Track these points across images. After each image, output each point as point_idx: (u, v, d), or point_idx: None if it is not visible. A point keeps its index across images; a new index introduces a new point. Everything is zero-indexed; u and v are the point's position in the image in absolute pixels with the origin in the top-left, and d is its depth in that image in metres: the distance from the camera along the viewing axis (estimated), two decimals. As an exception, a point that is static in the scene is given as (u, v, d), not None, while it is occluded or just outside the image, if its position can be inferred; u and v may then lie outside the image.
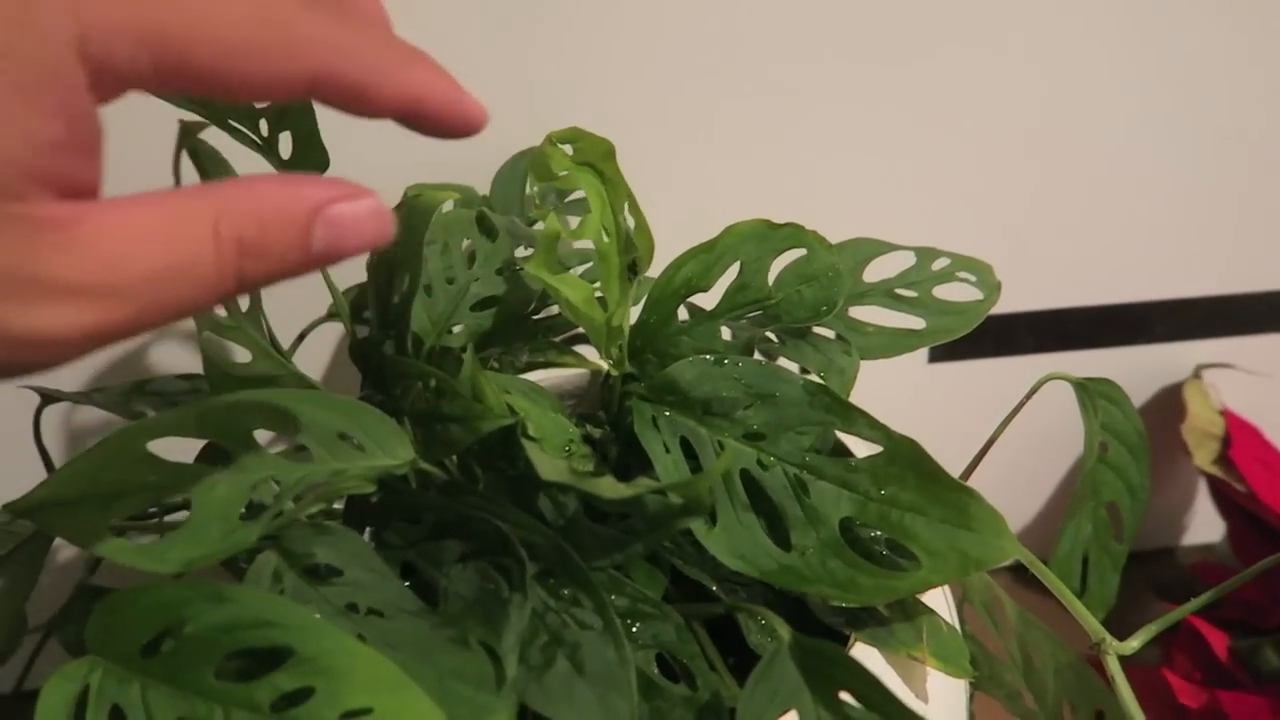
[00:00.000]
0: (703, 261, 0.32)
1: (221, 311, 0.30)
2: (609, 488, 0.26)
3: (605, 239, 0.30)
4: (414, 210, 0.29)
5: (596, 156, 0.30)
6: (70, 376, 0.46)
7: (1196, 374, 0.50)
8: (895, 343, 0.37)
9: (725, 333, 0.34)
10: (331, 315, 0.41)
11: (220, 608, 0.22)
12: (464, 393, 0.27)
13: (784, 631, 0.26)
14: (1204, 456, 0.47)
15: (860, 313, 0.37)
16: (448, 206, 0.34)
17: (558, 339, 0.36)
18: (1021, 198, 0.48)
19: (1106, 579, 0.36)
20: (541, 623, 0.26)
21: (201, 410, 0.27)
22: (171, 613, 0.23)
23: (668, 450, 0.30)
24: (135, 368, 0.46)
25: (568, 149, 0.31)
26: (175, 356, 0.47)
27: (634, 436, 0.33)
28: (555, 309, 0.33)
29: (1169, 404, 0.52)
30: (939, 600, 0.33)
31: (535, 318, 0.33)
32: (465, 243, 0.33)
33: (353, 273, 0.36)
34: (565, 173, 0.31)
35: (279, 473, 0.26)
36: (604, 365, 0.39)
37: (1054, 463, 0.54)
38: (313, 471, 0.27)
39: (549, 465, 0.26)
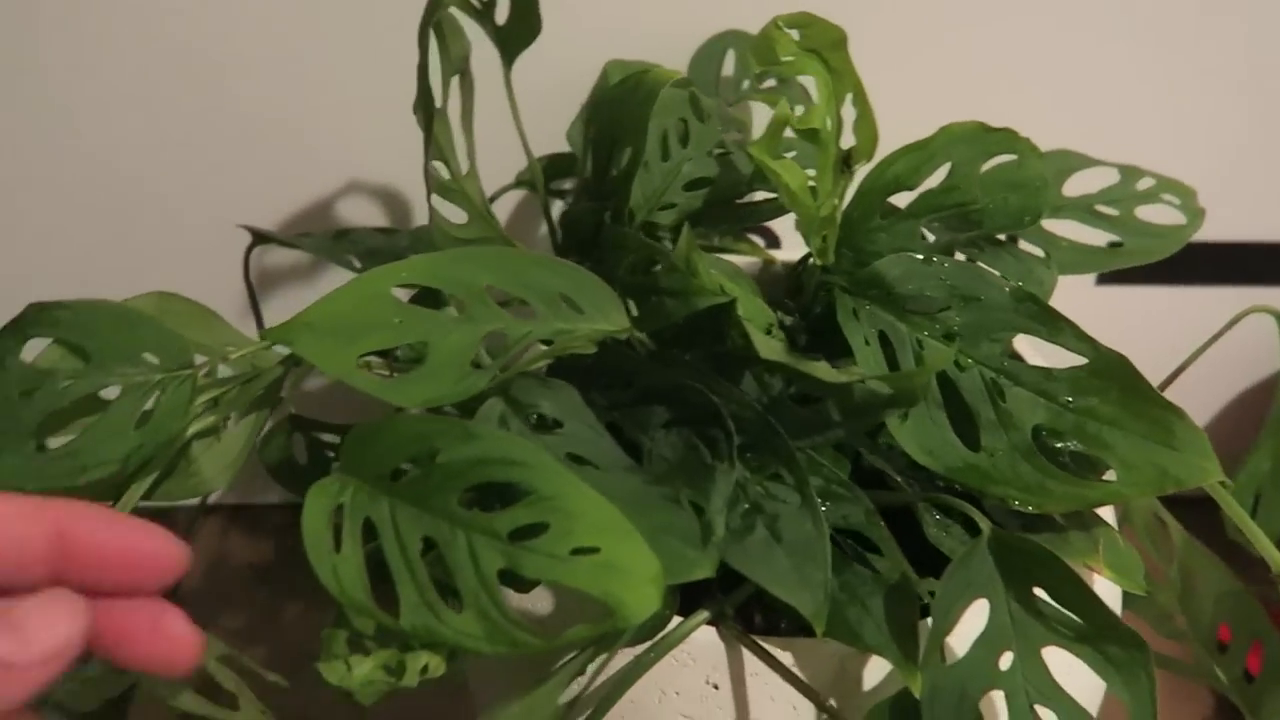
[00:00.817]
0: (913, 160, 0.32)
1: (445, 174, 0.32)
2: (825, 371, 0.27)
3: (826, 129, 0.30)
4: (641, 86, 0.30)
5: (825, 44, 0.30)
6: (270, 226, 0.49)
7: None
8: (1089, 259, 0.36)
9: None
10: (521, 183, 0.42)
11: (470, 443, 0.24)
12: (681, 268, 0.28)
13: (984, 524, 0.26)
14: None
15: (1054, 226, 0.37)
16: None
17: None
18: (1230, 124, 0.46)
19: (1276, 517, 0.36)
20: (742, 492, 0.27)
21: (440, 262, 0.28)
22: (424, 443, 0.25)
23: (867, 343, 0.30)
24: (329, 220, 0.49)
25: (794, 34, 0.31)
26: (360, 209, 0.50)
27: (823, 325, 0.33)
28: (759, 196, 0.34)
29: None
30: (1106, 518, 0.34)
31: (739, 202, 0.34)
32: (676, 122, 0.33)
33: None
34: (790, 58, 0.31)
35: (506, 327, 0.28)
36: (775, 256, 0.40)
37: (1222, 397, 0.52)
38: (537, 329, 0.28)
39: (766, 345, 0.27)
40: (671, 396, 0.28)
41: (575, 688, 0.29)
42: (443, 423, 0.25)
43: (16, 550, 0.20)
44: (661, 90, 0.30)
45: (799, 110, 0.30)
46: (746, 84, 0.40)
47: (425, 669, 0.25)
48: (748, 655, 0.29)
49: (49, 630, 0.20)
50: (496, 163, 0.41)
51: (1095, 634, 0.25)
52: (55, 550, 0.21)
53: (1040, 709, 0.25)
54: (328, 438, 0.42)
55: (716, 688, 0.29)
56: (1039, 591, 0.25)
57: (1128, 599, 0.36)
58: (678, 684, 0.29)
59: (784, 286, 0.37)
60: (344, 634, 0.26)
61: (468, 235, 0.31)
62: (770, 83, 0.41)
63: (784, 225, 0.47)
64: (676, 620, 0.29)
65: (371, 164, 0.48)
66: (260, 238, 0.41)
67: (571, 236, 0.31)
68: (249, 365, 0.29)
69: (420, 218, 0.50)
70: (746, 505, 0.27)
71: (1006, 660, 0.25)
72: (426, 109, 0.29)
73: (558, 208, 0.38)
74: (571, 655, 0.28)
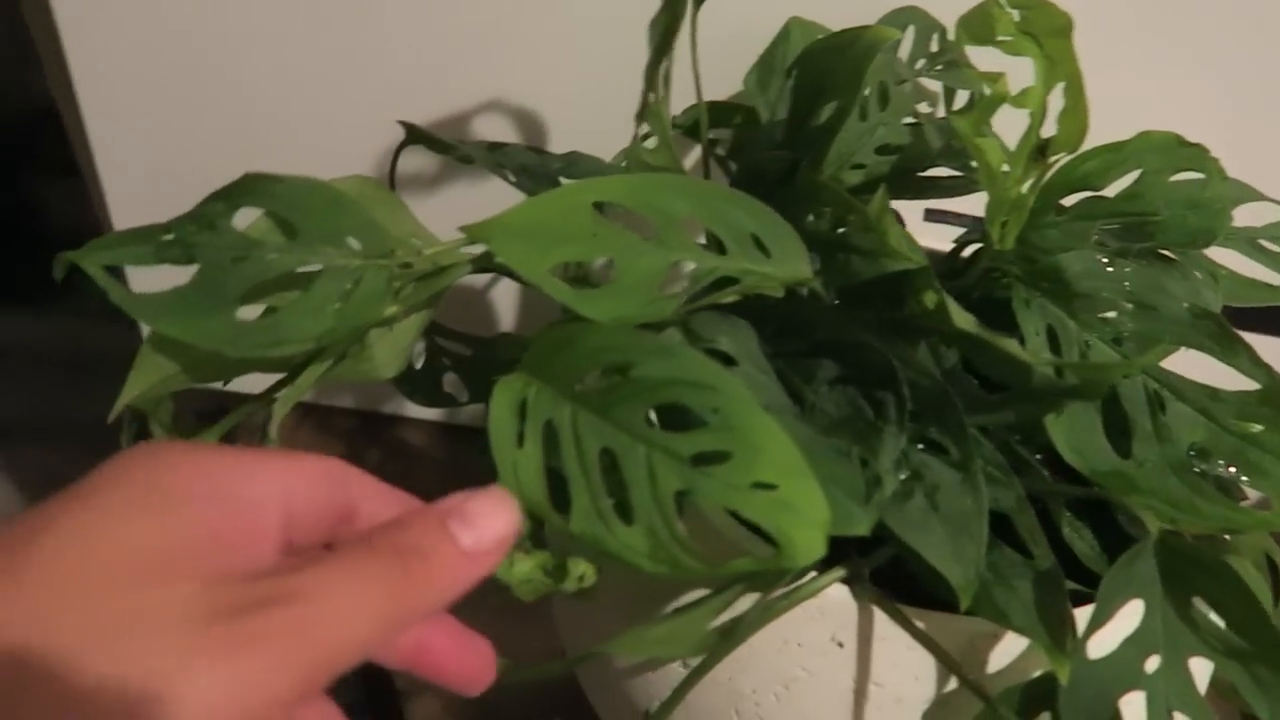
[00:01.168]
0: (1107, 161, 0.32)
1: (651, 98, 0.32)
2: (1017, 349, 0.27)
3: (1034, 115, 0.30)
4: (859, 41, 0.30)
5: (1046, 29, 0.30)
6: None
7: None
8: (1247, 291, 0.36)
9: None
10: (677, 125, 0.42)
11: (667, 360, 0.24)
12: (875, 228, 0.28)
13: (1153, 526, 0.27)
14: None
15: (1216, 254, 0.36)
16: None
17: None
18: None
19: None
20: (905, 457, 0.28)
21: (642, 185, 0.28)
22: (619, 354, 0.25)
23: (1036, 334, 0.30)
24: (465, 134, 0.49)
25: (1015, 14, 0.30)
26: (495, 127, 0.49)
27: (980, 311, 0.33)
28: (939, 171, 0.34)
29: None
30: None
31: (920, 175, 0.33)
32: (879, 84, 0.33)
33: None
34: (1008, 38, 0.30)
35: (696, 258, 0.28)
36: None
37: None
38: (725, 265, 0.28)
39: (961, 315, 0.27)
40: (845, 353, 0.28)
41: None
42: (642, 337, 0.25)
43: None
44: (880, 49, 0.30)
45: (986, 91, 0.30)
46: (922, 63, 0.40)
47: (582, 577, 0.26)
48: (878, 619, 0.29)
49: (496, 524, 0.22)
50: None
51: (1249, 653, 0.25)
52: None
53: (1178, 716, 0.25)
54: (446, 344, 0.43)
55: (841, 645, 0.29)
56: (1198, 601, 0.26)
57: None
58: (802, 636, 0.29)
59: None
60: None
61: (657, 162, 0.31)
62: (940, 63, 0.40)
63: (912, 213, 0.46)
64: (811, 574, 0.29)
65: (511, 84, 0.48)
66: (414, 136, 0.41)
67: (752, 183, 0.31)
68: (431, 261, 0.30)
69: (556, 143, 0.50)
70: (907, 472, 0.27)
71: (1153, 664, 0.26)
72: (669, 23, 0.29)
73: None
74: (705, 593, 0.29)
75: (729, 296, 0.27)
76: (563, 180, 0.40)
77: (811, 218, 0.29)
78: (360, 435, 0.70)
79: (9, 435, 1.37)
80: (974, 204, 0.46)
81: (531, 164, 0.41)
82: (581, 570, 0.26)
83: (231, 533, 0.21)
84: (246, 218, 0.27)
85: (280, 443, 0.39)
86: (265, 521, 0.22)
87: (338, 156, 0.47)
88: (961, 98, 0.41)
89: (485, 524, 0.21)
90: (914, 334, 0.29)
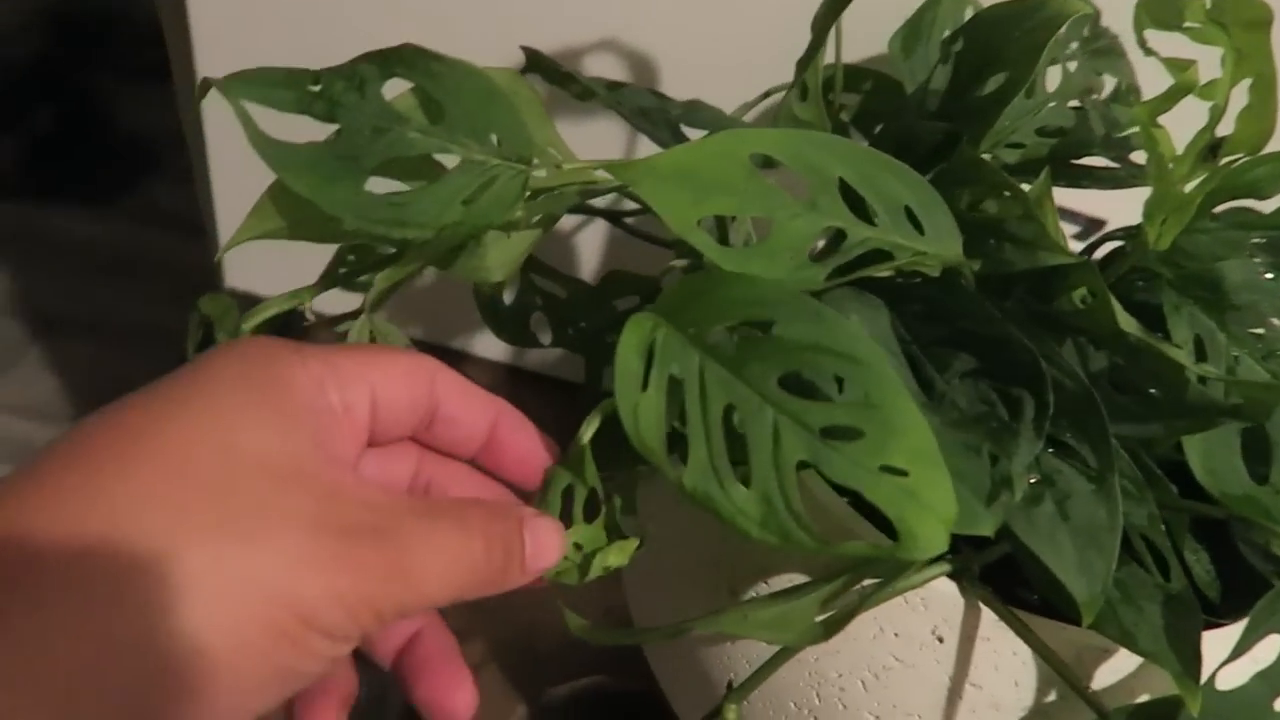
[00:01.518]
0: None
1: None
2: (1186, 359, 0.26)
3: (1215, 110, 0.28)
4: (1041, 11, 0.28)
5: (1240, 21, 0.28)
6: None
7: None
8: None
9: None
10: (780, 87, 0.40)
11: (815, 324, 0.23)
12: (1036, 217, 0.27)
13: (1301, 559, 0.25)
14: None
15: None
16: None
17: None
18: None
19: None
20: (1035, 461, 0.26)
21: (800, 141, 0.27)
22: (763, 309, 0.24)
23: (1183, 344, 0.29)
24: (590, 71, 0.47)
25: (1207, 0, 0.28)
26: (606, 66, 0.48)
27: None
28: (1093, 161, 0.32)
29: None
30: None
31: (1074, 163, 0.32)
32: (1049, 61, 0.31)
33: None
34: (1196, 25, 0.28)
35: (848, 227, 0.27)
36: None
37: None
38: (878, 237, 0.27)
39: (1125, 318, 0.26)
40: (987, 346, 0.27)
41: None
42: (791, 295, 0.24)
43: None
44: (1063, 22, 0.28)
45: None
46: (1075, 45, 0.38)
47: (607, 568, 0.25)
48: (985, 618, 0.28)
49: (551, 553, 0.24)
50: (769, 61, 0.39)
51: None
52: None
53: (1302, 760, 0.24)
54: (541, 281, 0.42)
55: (941, 640, 0.28)
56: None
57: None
58: (900, 626, 0.28)
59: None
60: (565, 480, 0.25)
61: (806, 116, 0.30)
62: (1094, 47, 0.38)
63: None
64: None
65: (628, 22, 0.47)
66: (535, 64, 0.39)
67: (898, 154, 0.30)
68: (563, 178, 0.28)
69: (667, 88, 0.48)
70: (1037, 476, 0.26)
71: (1281, 703, 0.24)
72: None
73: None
74: (809, 580, 0.28)
75: (884, 271, 0.26)
76: (683, 128, 0.39)
77: (973, 195, 0.28)
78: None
79: (60, 329, 1.39)
80: (1098, 204, 0.44)
81: (651, 107, 0.39)
82: (610, 561, 0.25)
83: (336, 443, 0.23)
84: (392, 90, 0.25)
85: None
86: (359, 425, 0.23)
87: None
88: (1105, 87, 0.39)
89: (545, 549, 0.23)
90: (1057, 330, 0.28)
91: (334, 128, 0.25)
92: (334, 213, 0.24)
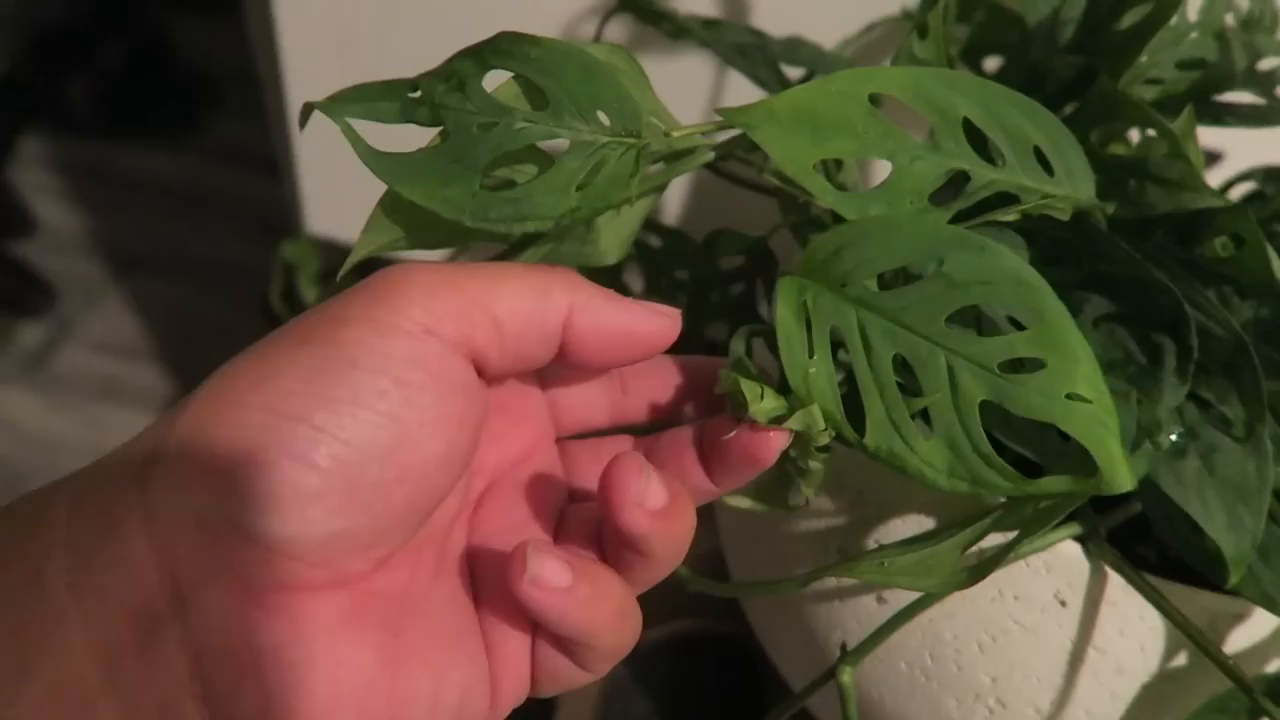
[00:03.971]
0: None
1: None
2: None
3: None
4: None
5: None
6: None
7: None
8: None
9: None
10: (909, 16, 0.38)
11: (981, 256, 0.22)
12: (1183, 156, 0.25)
13: None
14: None
15: None
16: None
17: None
18: None
19: None
20: (1178, 413, 0.25)
21: (924, 79, 0.25)
22: (927, 250, 0.22)
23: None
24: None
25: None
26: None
27: None
28: (1237, 97, 0.30)
29: None
30: None
31: (1216, 99, 0.29)
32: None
33: None
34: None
35: (973, 168, 0.25)
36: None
37: None
38: (1004, 180, 0.25)
39: (1278, 264, 0.24)
40: (1124, 289, 0.25)
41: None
42: (950, 231, 0.22)
43: (537, 329, 0.22)
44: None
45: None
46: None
47: (822, 431, 0.24)
48: (1111, 581, 0.27)
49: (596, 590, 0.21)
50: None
51: None
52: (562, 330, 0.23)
53: None
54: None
55: (1064, 604, 0.27)
56: None
57: None
58: (1021, 589, 0.27)
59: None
60: (749, 368, 0.24)
61: (926, 56, 0.28)
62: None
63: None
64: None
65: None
66: (629, 2, 0.38)
67: (1026, 90, 0.28)
68: (670, 145, 0.27)
69: (764, 24, 0.46)
70: (1181, 429, 0.25)
71: None
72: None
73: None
74: (950, 527, 0.27)
75: (1011, 215, 0.25)
76: (783, 67, 0.37)
77: (1110, 133, 0.26)
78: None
79: (139, 267, 1.41)
80: (1225, 139, 0.41)
81: (749, 44, 0.38)
82: (820, 421, 0.24)
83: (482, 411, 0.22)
84: (492, 82, 0.24)
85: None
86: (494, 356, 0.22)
87: (536, 14, 0.44)
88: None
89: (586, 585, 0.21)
90: (1204, 279, 0.26)
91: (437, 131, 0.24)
92: (451, 217, 0.23)
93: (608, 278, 0.42)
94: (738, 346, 0.25)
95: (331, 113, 0.23)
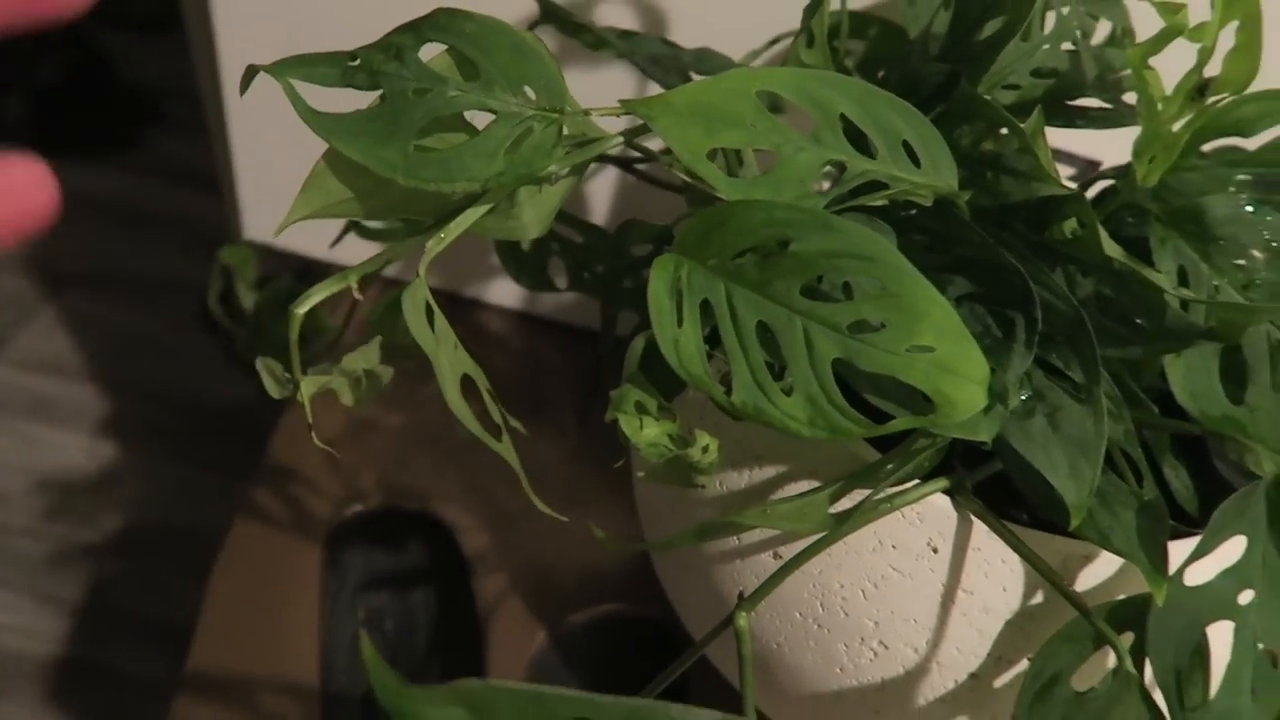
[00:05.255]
0: (1264, 109, 0.31)
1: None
2: (1165, 281, 0.28)
3: (1203, 51, 0.30)
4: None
5: (1227, -35, 0.29)
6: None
7: None
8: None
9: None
10: (786, 35, 0.42)
11: (828, 234, 0.25)
12: (1031, 151, 0.28)
13: (1270, 466, 0.27)
14: None
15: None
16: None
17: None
18: None
19: None
20: (1028, 378, 0.28)
21: (808, 80, 0.29)
22: (778, 229, 0.25)
23: (1168, 273, 0.30)
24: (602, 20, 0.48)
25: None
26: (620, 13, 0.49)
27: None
28: (1087, 102, 0.33)
29: None
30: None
31: (1068, 104, 0.33)
32: (1043, 5, 0.33)
33: None
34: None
35: (850, 160, 0.28)
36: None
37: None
38: (877, 169, 0.29)
39: (1110, 244, 0.28)
40: (982, 271, 0.29)
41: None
42: (802, 212, 0.25)
43: None
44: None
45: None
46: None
47: (706, 449, 0.27)
48: (976, 530, 0.30)
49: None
50: (775, 10, 0.41)
51: (1347, 598, 0.26)
52: None
53: (1263, 649, 0.26)
54: (559, 227, 0.43)
55: (935, 551, 0.30)
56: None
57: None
58: (897, 538, 0.30)
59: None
60: (634, 396, 0.27)
61: (812, 61, 0.31)
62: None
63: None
64: (915, 481, 0.30)
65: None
66: (550, 14, 0.41)
67: (904, 95, 0.31)
68: (586, 127, 0.30)
69: (677, 37, 0.49)
70: (1030, 392, 0.28)
71: (1246, 597, 0.26)
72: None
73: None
74: (815, 487, 0.30)
75: (877, 200, 0.28)
76: (694, 75, 0.40)
77: (972, 132, 0.29)
78: (449, 312, 0.72)
79: (73, 283, 1.40)
80: (1094, 146, 0.45)
81: (662, 54, 0.41)
82: (705, 442, 0.27)
83: None
84: (428, 54, 0.27)
85: (369, 316, 0.40)
86: None
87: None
88: (1102, 31, 0.40)
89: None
90: (1049, 258, 0.29)
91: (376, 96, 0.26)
92: (386, 174, 0.25)
93: (534, 270, 0.44)
94: (636, 346, 0.28)
95: (275, 74, 0.25)
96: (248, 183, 0.62)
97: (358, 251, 0.35)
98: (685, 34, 0.50)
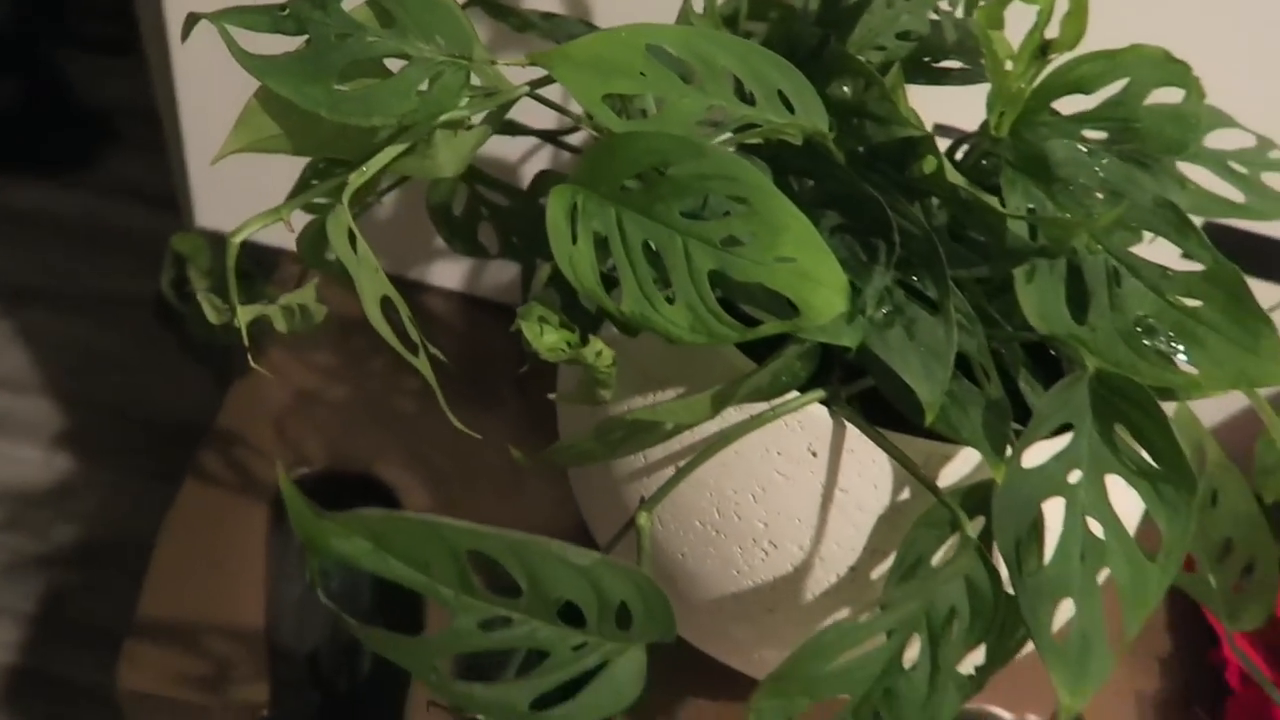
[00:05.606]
0: (1101, 67, 0.36)
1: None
2: (996, 204, 0.31)
3: (1042, 14, 0.34)
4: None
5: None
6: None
7: None
8: (1211, 205, 0.40)
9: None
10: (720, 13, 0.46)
11: (700, 159, 0.29)
12: (890, 99, 0.32)
13: (1091, 365, 0.31)
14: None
15: (1189, 170, 0.41)
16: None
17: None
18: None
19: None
20: (889, 295, 0.32)
21: (693, 36, 0.32)
22: (658, 157, 0.29)
23: (1017, 210, 0.34)
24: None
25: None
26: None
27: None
28: (951, 64, 0.38)
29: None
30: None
31: (932, 64, 0.37)
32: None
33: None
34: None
35: (729, 106, 0.32)
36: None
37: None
38: (753, 114, 0.32)
39: (954, 174, 0.32)
40: (849, 204, 0.32)
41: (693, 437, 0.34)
42: (677, 140, 0.29)
43: None
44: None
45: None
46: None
47: (600, 353, 0.30)
48: (849, 434, 0.33)
49: None
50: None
51: (1158, 473, 0.30)
52: None
53: (1090, 521, 0.30)
54: (486, 191, 0.47)
55: (814, 455, 0.34)
56: (1120, 428, 0.30)
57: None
58: (782, 445, 0.34)
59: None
60: (538, 311, 0.31)
61: (699, 22, 0.35)
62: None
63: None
64: (794, 393, 0.34)
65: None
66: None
67: (787, 53, 0.35)
68: (494, 80, 0.33)
69: (600, 21, 0.53)
70: (891, 307, 0.32)
71: (1074, 476, 0.30)
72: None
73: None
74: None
75: (753, 138, 0.32)
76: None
77: (841, 84, 0.33)
78: (388, 299, 0.75)
79: (26, 300, 1.41)
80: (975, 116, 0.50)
81: (581, 34, 0.45)
82: (599, 348, 0.30)
83: None
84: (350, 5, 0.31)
85: (318, 295, 0.43)
86: None
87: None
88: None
89: None
90: (911, 194, 0.33)
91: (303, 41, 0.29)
92: (311, 108, 0.29)
93: (465, 235, 0.48)
94: (543, 272, 0.32)
95: (213, 20, 0.29)
96: (203, 200, 0.65)
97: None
98: (607, 18, 0.54)
